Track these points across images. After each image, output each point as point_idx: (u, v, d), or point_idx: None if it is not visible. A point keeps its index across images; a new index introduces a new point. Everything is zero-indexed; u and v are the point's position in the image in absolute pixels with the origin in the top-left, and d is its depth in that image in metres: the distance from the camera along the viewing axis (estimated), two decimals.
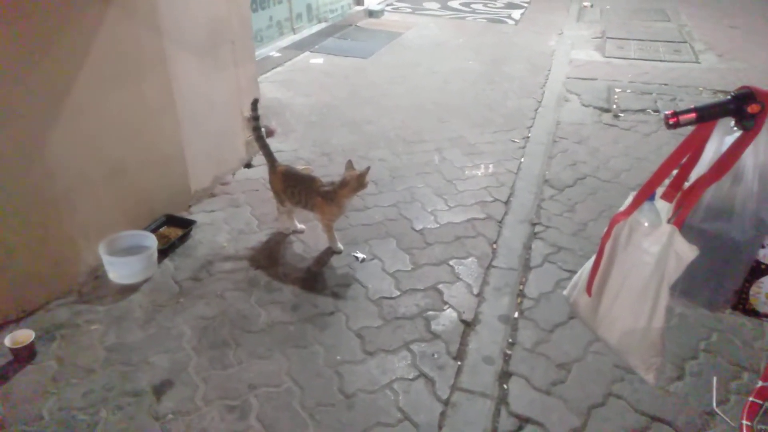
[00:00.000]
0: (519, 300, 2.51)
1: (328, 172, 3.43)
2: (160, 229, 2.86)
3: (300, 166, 3.47)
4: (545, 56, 6.09)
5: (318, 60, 5.73)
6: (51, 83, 2.20)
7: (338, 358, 2.17)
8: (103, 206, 2.56)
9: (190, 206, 3.12)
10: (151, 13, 2.60)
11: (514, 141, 4.07)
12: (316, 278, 2.62)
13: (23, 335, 2.07)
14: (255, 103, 2.79)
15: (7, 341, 2.04)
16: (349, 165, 2.63)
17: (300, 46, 5.94)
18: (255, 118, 2.78)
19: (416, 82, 5.23)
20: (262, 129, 2.85)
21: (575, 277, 1.59)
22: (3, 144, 2.07)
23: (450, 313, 2.42)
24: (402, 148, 3.92)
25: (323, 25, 6.57)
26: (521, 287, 2.59)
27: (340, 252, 2.77)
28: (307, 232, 2.93)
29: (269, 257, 2.75)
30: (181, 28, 2.83)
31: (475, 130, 4.24)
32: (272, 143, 3.83)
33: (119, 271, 2.49)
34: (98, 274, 2.54)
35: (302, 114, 4.42)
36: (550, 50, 6.31)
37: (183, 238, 2.81)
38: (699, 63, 5.90)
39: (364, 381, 2.07)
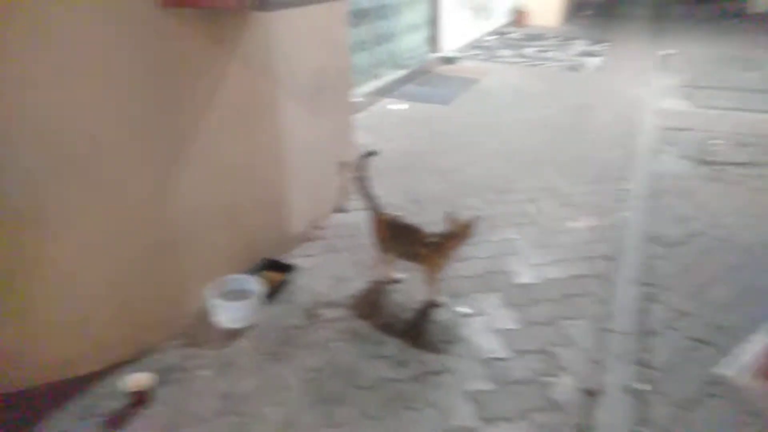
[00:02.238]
0: (644, 371, 2.31)
1: (421, 221, 3.36)
2: (261, 273, 2.85)
3: (388, 212, 3.45)
4: (630, 105, 5.91)
5: (400, 106, 5.79)
6: (180, 132, 2.26)
7: (454, 423, 2.04)
8: (214, 249, 2.59)
9: (289, 250, 3.12)
10: (267, 63, 2.67)
11: (612, 193, 3.90)
12: (419, 332, 2.52)
13: (144, 379, 2.06)
14: (368, 154, 2.76)
15: (129, 384, 2.03)
16: (450, 217, 2.54)
17: (381, 92, 6.02)
18: (362, 167, 2.77)
19: (499, 130, 5.17)
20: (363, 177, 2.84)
21: (741, 357, 1.42)
22: (137, 188, 2.13)
23: (568, 380, 2.25)
24: (493, 196, 3.83)
25: (403, 71, 6.67)
26: (645, 355, 2.40)
27: (442, 305, 2.67)
28: (406, 282, 2.85)
29: (369, 307, 2.68)
30: (293, 76, 2.89)
31: (567, 180, 4.10)
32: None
33: (226, 315, 2.48)
34: (205, 316, 2.54)
35: (389, 159, 4.41)
36: (635, 99, 6.14)
37: (284, 283, 2.79)
38: None
39: None
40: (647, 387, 2.23)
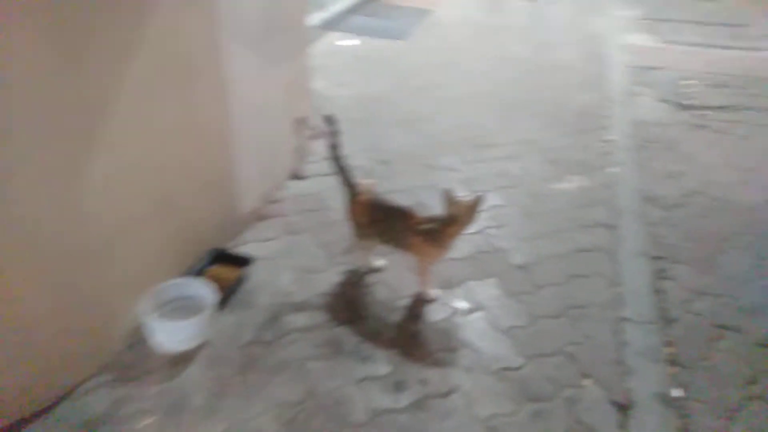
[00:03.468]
0: (674, 371, 2.01)
1: (393, 187, 2.87)
2: (210, 269, 2.29)
3: (363, 180, 2.92)
4: (593, 39, 5.50)
5: (351, 42, 5.09)
6: (90, 96, 1.60)
7: None
8: (147, 252, 1.99)
9: (239, 234, 2.55)
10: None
11: (594, 146, 3.53)
12: (414, 339, 2.09)
13: None
14: (331, 119, 2.20)
15: None
16: (449, 197, 2.06)
17: (328, 26, 5.28)
18: (334, 133, 2.20)
19: (463, 69, 4.64)
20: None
21: None
22: (23, 183, 1.48)
23: (594, 391, 1.91)
24: (471, 154, 3.36)
25: (350, 1, 5.89)
26: (670, 351, 2.09)
27: (435, 300, 2.24)
28: (388, 270, 2.38)
29: (349, 307, 2.21)
30: (237, 14, 2.21)
31: (548, 131, 3.68)
32: (319, 148, 3.29)
33: (169, 337, 1.94)
34: (139, 339, 1.98)
35: (346, 109, 3.81)
36: (596, 32, 5.72)
37: (240, 282, 2.25)
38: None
39: None
40: (680, 393, 1.93)
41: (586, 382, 1.94)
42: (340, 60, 4.65)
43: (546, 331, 2.15)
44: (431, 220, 2.08)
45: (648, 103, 4.20)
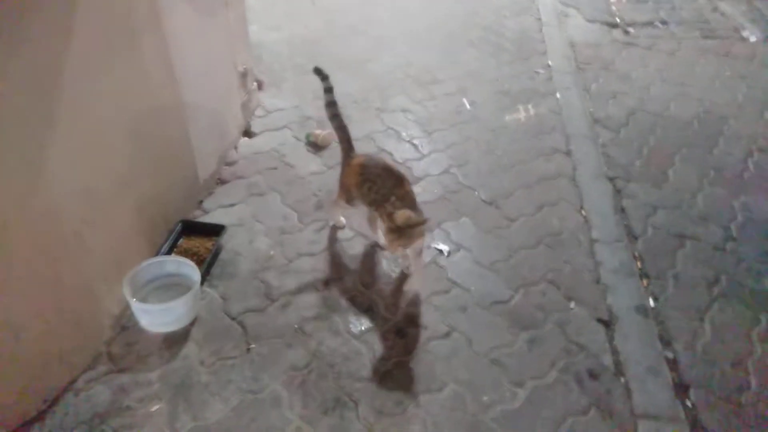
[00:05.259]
0: (645, 283, 2.17)
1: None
2: (180, 243, 2.18)
3: (317, 131, 2.83)
4: None
5: None
6: (28, 82, 1.40)
7: (485, 398, 1.75)
8: (116, 234, 1.85)
9: (201, 202, 2.42)
10: None
11: (537, 72, 3.58)
12: (404, 286, 2.11)
13: None
14: (321, 72, 2.07)
15: None
16: (399, 182, 1.91)
17: None
18: (328, 90, 2.07)
19: (396, 6, 4.47)
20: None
21: None
22: None
23: (580, 312, 2.04)
24: (420, 93, 3.32)
25: None
26: (639, 265, 2.25)
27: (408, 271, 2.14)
28: (357, 220, 2.34)
29: (334, 264, 2.19)
30: None
31: (489, 61, 3.69)
32: (265, 100, 3.14)
33: (158, 319, 1.85)
34: (125, 324, 1.88)
35: (282, 55, 3.63)
36: None
37: (216, 252, 2.16)
38: None
39: (535, 427, 1.67)
40: (654, 303, 2.10)
41: (572, 304, 2.06)
42: (267, 0, 4.35)
43: (526, 261, 2.24)
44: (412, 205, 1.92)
45: (579, 23, 4.28)
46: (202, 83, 2.34)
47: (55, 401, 1.63)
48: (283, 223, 2.35)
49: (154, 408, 1.65)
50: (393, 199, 1.90)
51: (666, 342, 1.96)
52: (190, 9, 2.18)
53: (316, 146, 2.80)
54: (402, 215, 1.83)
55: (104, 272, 1.79)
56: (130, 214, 1.91)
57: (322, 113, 2.87)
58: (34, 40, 1.39)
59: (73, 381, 1.69)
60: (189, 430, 1.60)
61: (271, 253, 2.21)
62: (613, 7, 4.54)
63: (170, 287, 1.95)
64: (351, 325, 1.94)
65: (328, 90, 2.10)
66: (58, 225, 1.55)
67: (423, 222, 1.85)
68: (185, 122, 2.23)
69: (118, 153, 1.81)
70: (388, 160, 2.11)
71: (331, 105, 2.10)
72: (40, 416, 1.60)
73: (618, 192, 2.62)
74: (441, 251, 2.26)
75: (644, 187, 2.65)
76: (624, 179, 2.70)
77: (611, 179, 2.70)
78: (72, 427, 1.58)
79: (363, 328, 1.94)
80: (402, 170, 2.11)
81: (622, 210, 2.52)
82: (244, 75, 2.80)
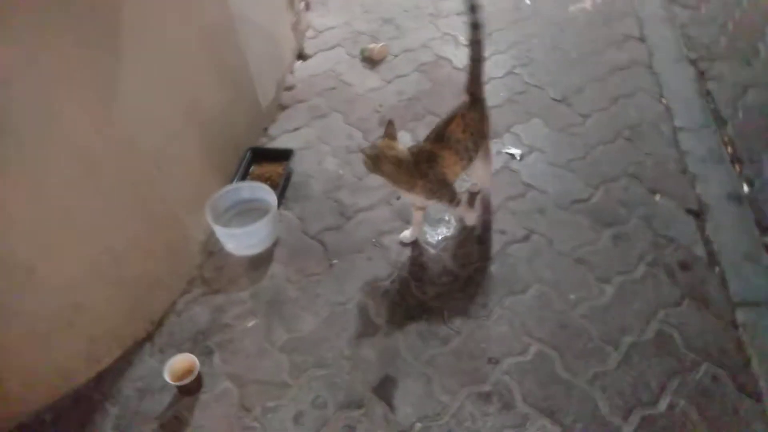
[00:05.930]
0: (738, 168, 2.02)
1: (406, 45, 2.71)
2: (251, 170, 2.22)
3: (371, 45, 2.73)
4: None
5: None
6: (97, 13, 1.40)
7: (572, 296, 1.73)
8: (192, 163, 1.90)
9: (266, 129, 2.43)
10: None
11: None
12: (479, 195, 2.07)
13: (183, 363, 1.57)
14: (474, 5, 1.68)
15: (169, 377, 1.54)
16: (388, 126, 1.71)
17: None
18: (475, 25, 1.70)
19: None
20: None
21: None
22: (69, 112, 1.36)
23: (666, 204, 1.95)
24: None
25: None
26: (730, 150, 2.09)
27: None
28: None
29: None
30: None
31: None
32: (314, 19, 3.04)
33: (242, 242, 1.92)
34: (211, 249, 1.97)
35: None
36: None
37: (288, 176, 2.18)
38: None
39: (626, 321, 1.65)
40: (747, 189, 1.96)
41: (657, 197, 1.96)
42: None
43: (604, 157, 2.13)
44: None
45: None
46: (253, 11, 2.28)
47: (160, 323, 1.76)
48: (348, 142, 2.33)
49: (251, 324, 1.75)
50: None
51: (764, 228, 1.84)
52: None
53: (371, 61, 2.72)
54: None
55: (186, 201, 1.85)
56: (201, 144, 1.95)
57: (374, 26, 2.78)
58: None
59: (174, 303, 1.80)
60: (285, 341, 1.69)
61: (341, 172, 2.21)
62: None
63: (248, 212, 2.00)
64: (428, 236, 1.94)
65: (476, 26, 1.71)
66: (136, 153, 1.60)
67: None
68: (243, 51, 2.20)
69: (183, 85, 1.81)
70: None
71: (476, 43, 1.73)
72: (149, 336, 1.73)
73: (701, 75, 2.41)
74: (513, 155, 2.18)
75: (732, 65, 2.42)
76: (708, 60, 2.47)
77: (693, 61, 2.48)
78: (179, 343, 1.70)
79: (440, 238, 1.93)
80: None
81: (708, 93, 2.32)
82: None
